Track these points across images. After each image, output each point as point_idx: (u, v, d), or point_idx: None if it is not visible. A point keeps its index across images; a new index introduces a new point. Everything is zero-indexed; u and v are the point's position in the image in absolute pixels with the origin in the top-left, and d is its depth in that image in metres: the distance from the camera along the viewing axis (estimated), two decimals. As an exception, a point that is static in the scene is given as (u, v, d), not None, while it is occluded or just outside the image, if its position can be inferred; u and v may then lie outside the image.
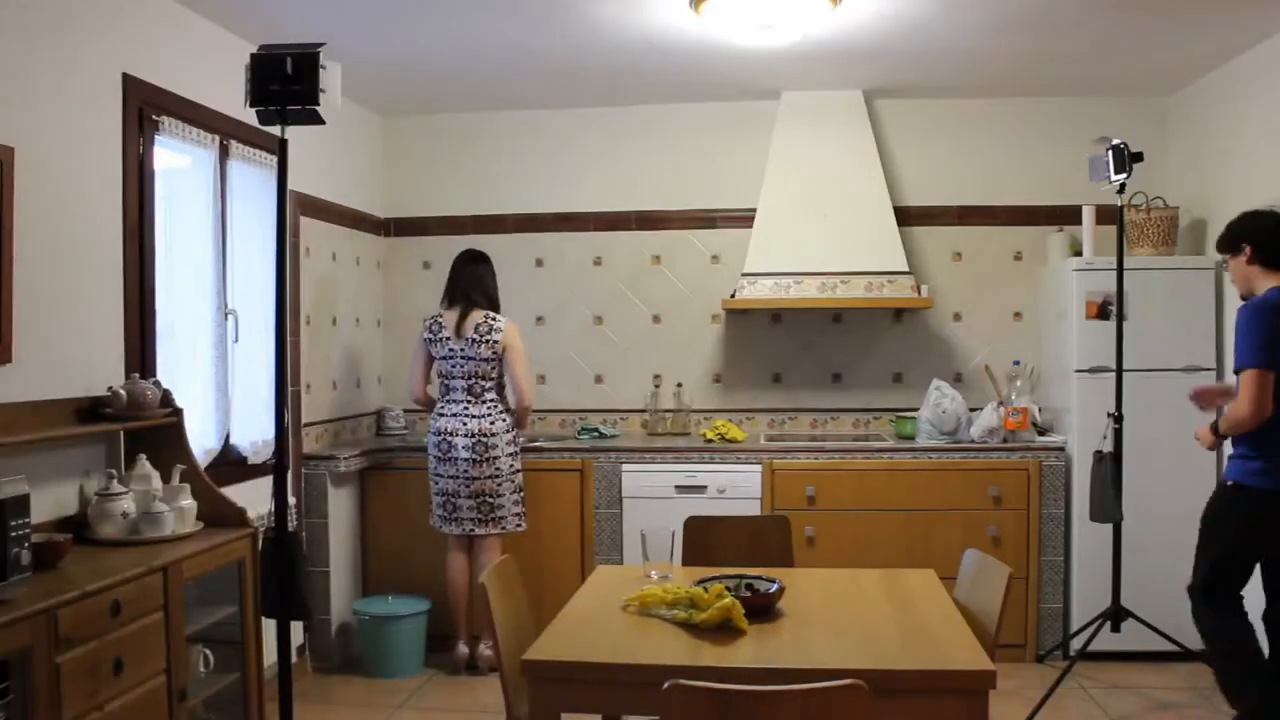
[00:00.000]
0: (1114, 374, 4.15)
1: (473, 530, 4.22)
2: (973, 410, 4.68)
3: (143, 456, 3.16)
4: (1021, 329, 5.10)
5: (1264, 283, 3.32)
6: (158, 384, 3.22)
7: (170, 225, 3.52)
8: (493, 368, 4.23)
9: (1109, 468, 3.96)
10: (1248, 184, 4.23)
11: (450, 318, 4.27)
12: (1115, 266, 4.26)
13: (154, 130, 3.42)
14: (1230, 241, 3.42)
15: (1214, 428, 3.43)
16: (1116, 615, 4.04)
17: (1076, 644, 4.43)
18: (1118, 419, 4.02)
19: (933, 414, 4.60)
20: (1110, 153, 3.96)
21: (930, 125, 5.12)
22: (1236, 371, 3.27)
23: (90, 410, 3.06)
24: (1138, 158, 3.94)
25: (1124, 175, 3.92)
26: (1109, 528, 4.37)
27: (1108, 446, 4.00)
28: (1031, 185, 5.01)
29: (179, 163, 3.63)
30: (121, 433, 3.21)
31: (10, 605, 2.24)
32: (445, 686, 4.26)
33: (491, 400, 4.25)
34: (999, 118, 5.09)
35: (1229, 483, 3.37)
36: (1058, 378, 4.76)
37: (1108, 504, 3.95)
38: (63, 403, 2.98)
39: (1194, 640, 4.25)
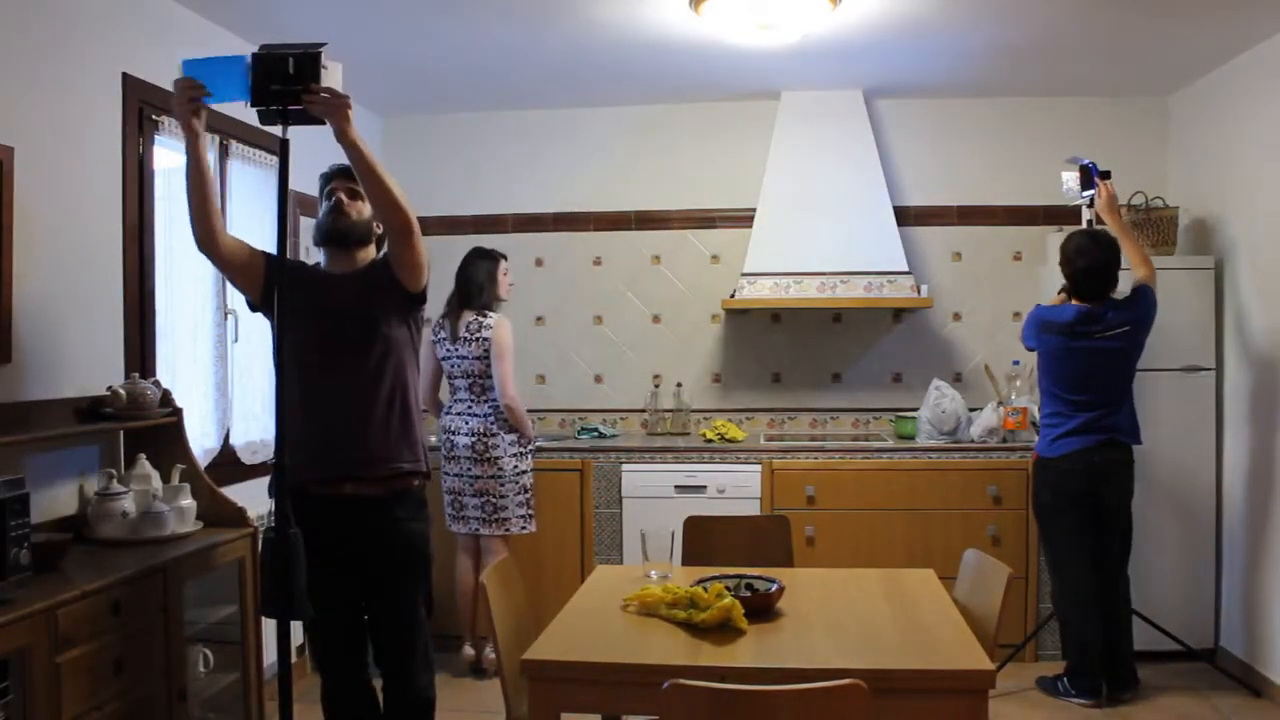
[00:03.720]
0: None
1: (478, 530, 4.21)
2: (972, 410, 4.68)
3: (143, 456, 3.17)
4: (1021, 329, 5.09)
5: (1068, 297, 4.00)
6: (158, 384, 3.22)
7: (170, 225, 3.52)
8: (486, 366, 4.20)
9: None
10: (1248, 184, 4.23)
11: (449, 320, 4.27)
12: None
13: (154, 130, 3.42)
14: (1061, 258, 3.98)
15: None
16: None
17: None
18: None
19: (932, 414, 4.60)
20: (1080, 172, 4.22)
21: (930, 125, 5.12)
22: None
23: (90, 410, 3.06)
24: (1105, 175, 4.15)
25: (1092, 192, 4.18)
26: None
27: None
28: (1031, 185, 5.01)
29: (179, 163, 3.62)
30: (121, 432, 3.21)
31: (10, 605, 2.24)
32: (446, 687, 4.24)
33: (493, 400, 4.23)
34: (999, 118, 5.10)
35: (1035, 455, 4.06)
36: (1057, 378, 4.76)
37: None
38: (63, 403, 2.98)
39: (1194, 639, 4.27)
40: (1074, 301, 3.95)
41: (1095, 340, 3.84)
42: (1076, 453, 3.84)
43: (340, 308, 2.75)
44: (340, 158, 2.65)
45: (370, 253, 2.87)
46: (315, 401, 2.70)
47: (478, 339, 4.18)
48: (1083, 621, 3.88)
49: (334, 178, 2.86)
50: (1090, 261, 3.86)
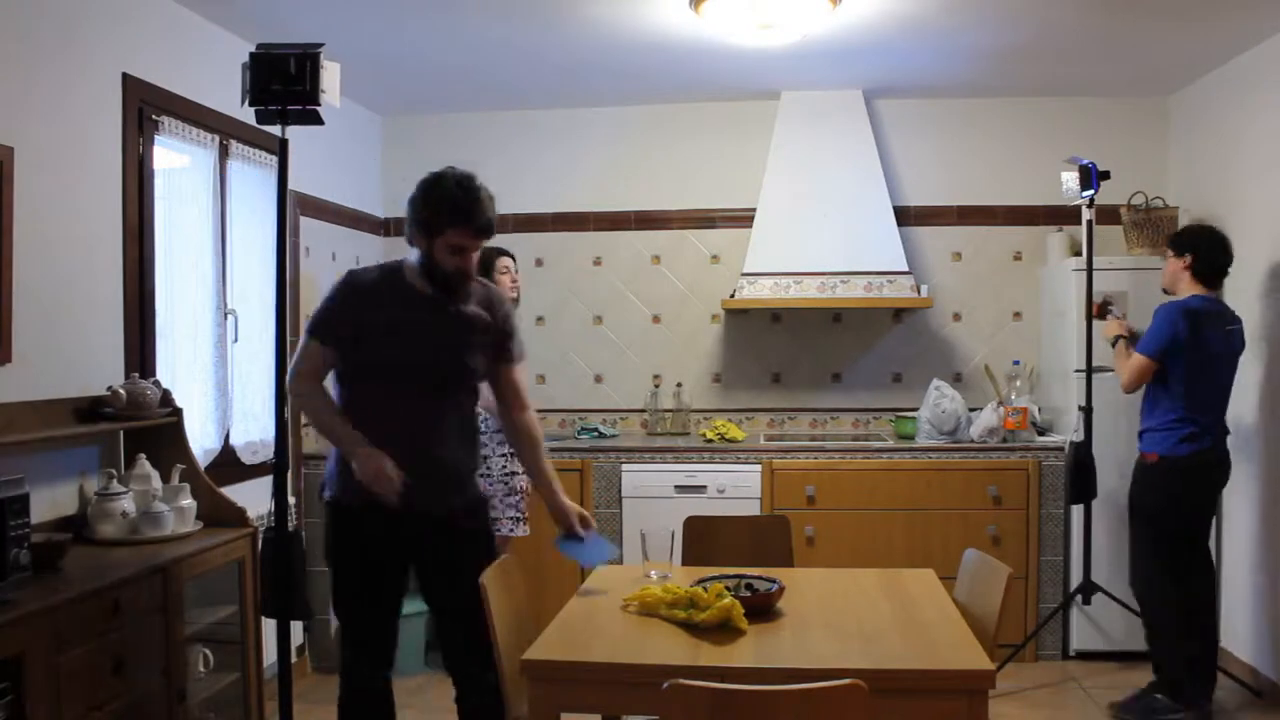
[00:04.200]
0: (1114, 373, 4.26)
1: None
2: (972, 410, 4.68)
3: (142, 456, 3.17)
4: (1021, 329, 5.10)
5: (1187, 288, 3.80)
6: (158, 384, 3.22)
7: (170, 225, 3.52)
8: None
9: (1070, 456, 4.21)
10: (1248, 184, 4.23)
11: None
12: (1114, 266, 4.51)
13: (154, 130, 3.42)
14: (1180, 243, 3.84)
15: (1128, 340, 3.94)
16: (1086, 590, 4.20)
17: (1068, 638, 4.45)
18: (1087, 411, 4.23)
19: (932, 414, 4.60)
20: (1079, 172, 4.17)
21: (930, 125, 5.12)
22: (1139, 350, 3.78)
23: (90, 410, 3.06)
24: (1105, 176, 4.13)
25: (1091, 192, 4.15)
26: (1109, 526, 4.40)
27: (1080, 437, 4.25)
28: (1031, 185, 5.01)
29: (179, 163, 3.63)
30: (121, 432, 3.21)
31: (10, 605, 2.24)
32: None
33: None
34: (999, 118, 5.09)
35: (1155, 457, 3.78)
36: (1057, 377, 4.76)
37: (1075, 486, 4.21)
38: (62, 402, 2.98)
39: (1194, 640, 4.25)
40: (1199, 288, 3.78)
41: (1223, 328, 3.77)
42: (1205, 450, 3.73)
43: (459, 342, 2.75)
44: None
45: None
46: (425, 428, 2.70)
47: None
48: (1193, 628, 3.74)
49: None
50: (1226, 255, 3.79)
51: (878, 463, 4.51)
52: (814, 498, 4.50)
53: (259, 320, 3.96)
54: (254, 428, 3.95)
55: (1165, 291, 3.94)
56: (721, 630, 2.33)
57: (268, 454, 3.89)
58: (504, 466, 4.20)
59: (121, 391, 3.06)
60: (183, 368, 3.58)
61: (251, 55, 2.52)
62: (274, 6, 3.65)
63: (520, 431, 3.02)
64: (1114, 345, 3.97)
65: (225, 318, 3.81)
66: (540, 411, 5.15)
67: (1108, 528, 4.39)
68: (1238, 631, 4.22)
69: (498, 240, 4.99)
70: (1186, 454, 3.72)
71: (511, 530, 4.22)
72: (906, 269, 4.79)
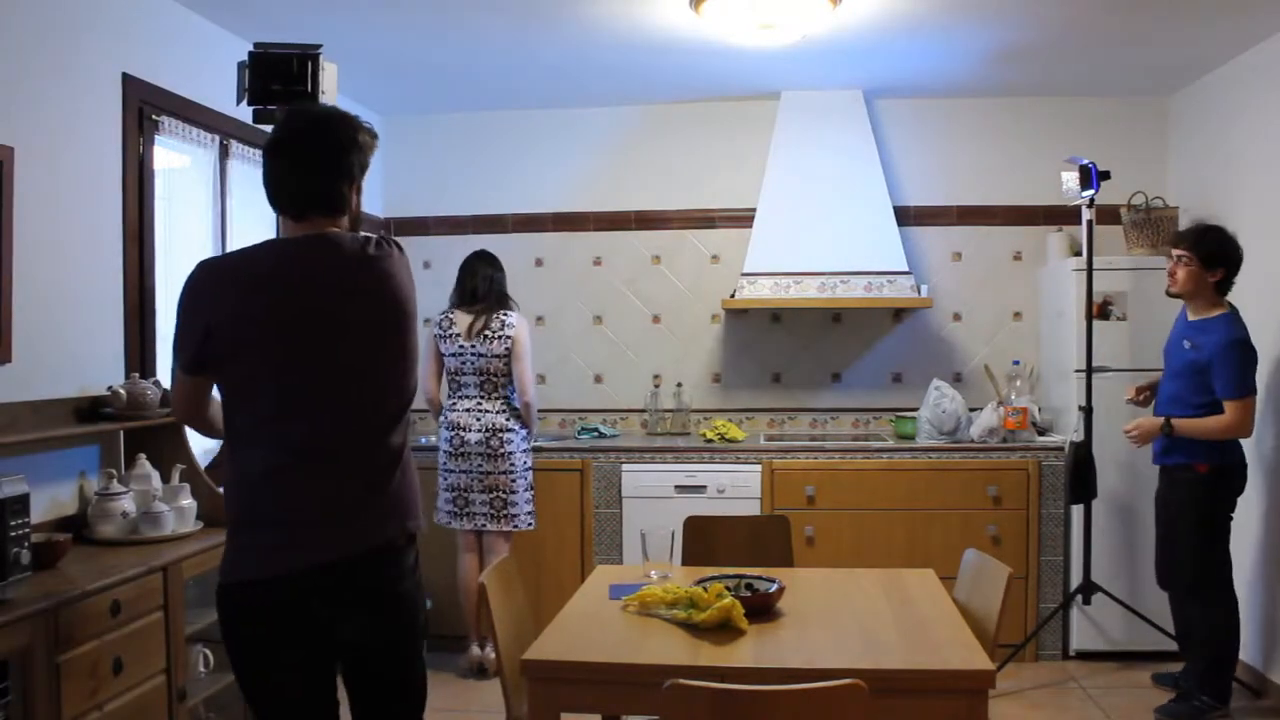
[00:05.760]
0: (1114, 373, 4.36)
1: (484, 525, 4.23)
2: (972, 410, 4.68)
3: (142, 456, 3.17)
4: (1021, 329, 5.10)
5: (1210, 301, 3.70)
6: (158, 384, 3.22)
7: (170, 225, 3.53)
8: (505, 364, 4.24)
9: (1070, 456, 4.20)
10: (1248, 184, 4.23)
11: (462, 316, 4.28)
12: (1113, 267, 4.51)
13: (154, 130, 3.42)
14: (1212, 255, 3.66)
15: (1166, 429, 3.73)
16: (1086, 590, 4.21)
17: (1068, 638, 4.44)
18: (1087, 411, 4.23)
19: (932, 414, 4.60)
20: (1079, 172, 4.14)
21: (930, 125, 5.12)
22: (1229, 398, 3.57)
23: (90, 410, 3.06)
24: (1105, 175, 4.11)
25: (1091, 191, 4.11)
26: (1109, 526, 4.40)
27: (1080, 437, 4.24)
28: (1031, 185, 5.01)
29: (179, 163, 3.63)
30: (121, 432, 3.21)
31: (10, 605, 2.24)
32: (445, 686, 4.26)
33: (504, 397, 4.26)
34: (999, 118, 5.09)
35: (1205, 467, 3.68)
36: (1057, 378, 4.76)
37: (1075, 486, 4.19)
38: (62, 402, 2.98)
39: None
40: (1227, 303, 3.73)
41: None
42: (1240, 453, 3.74)
43: None
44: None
45: None
46: None
47: (500, 337, 4.22)
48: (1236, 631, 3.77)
49: None
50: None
51: (877, 463, 4.51)
52: (814, 498, 4.50)
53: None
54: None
55: (1173, 295, 3.79)
56: (721, 630, 2.33)
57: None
58: (525, 462, 4.29)
59: (121, 391, 3.06)
60: (183, 368, 3.58)
61: (250, 54, 2.52)
62: (274, 6, 3.65)
63: None
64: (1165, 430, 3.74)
65: (225, 318, 3.81)
66: (540, 411, 5.19)
67: (1108, 528, 4.40)
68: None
69: (496, 241, 5.02)
70: (1234, 461, 3.72)
71: (529, 524, 4.31)
72: (906, 269, 4.79)
